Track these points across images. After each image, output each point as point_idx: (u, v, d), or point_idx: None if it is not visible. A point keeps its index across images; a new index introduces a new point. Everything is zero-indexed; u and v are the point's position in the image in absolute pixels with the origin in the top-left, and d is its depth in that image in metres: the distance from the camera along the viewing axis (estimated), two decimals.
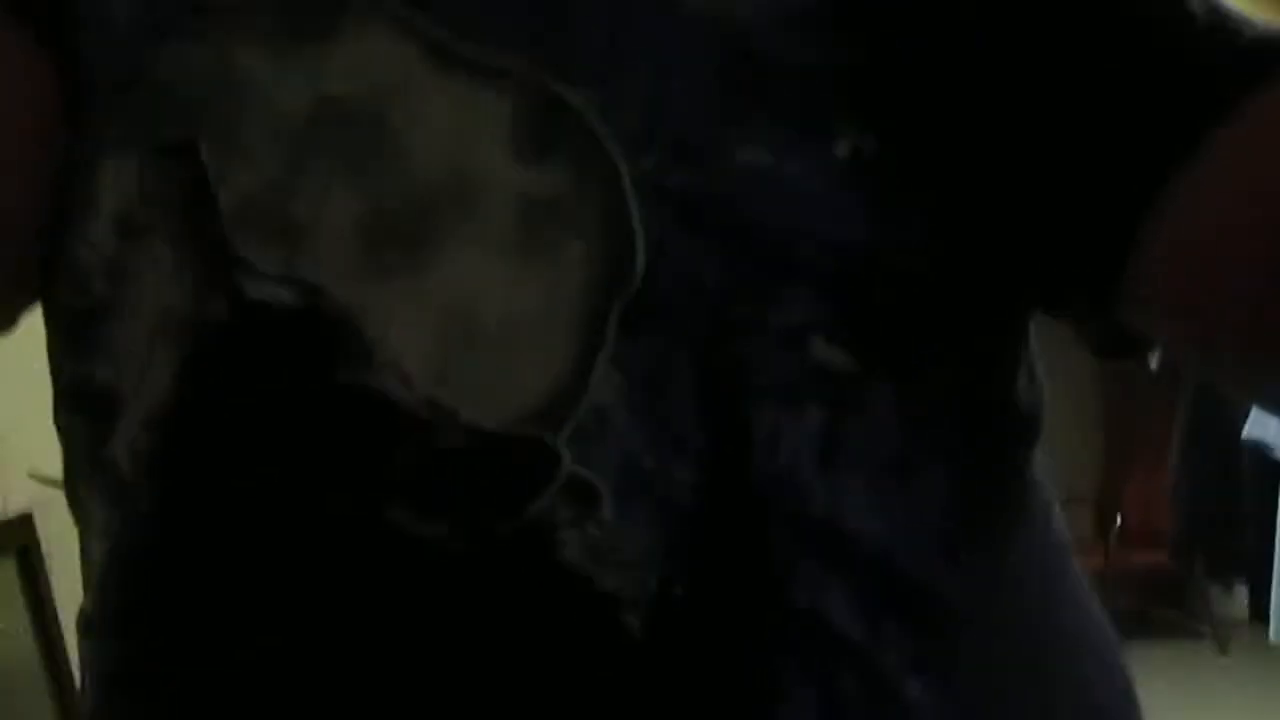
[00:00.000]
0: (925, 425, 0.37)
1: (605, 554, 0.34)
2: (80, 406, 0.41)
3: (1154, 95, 0.35)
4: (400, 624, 0.36)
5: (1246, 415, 3.06)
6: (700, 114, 0.36)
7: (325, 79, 0.37)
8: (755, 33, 0.36)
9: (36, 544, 1.75)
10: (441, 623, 0.35)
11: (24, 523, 1.73)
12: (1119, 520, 4.31)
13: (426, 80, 0.37)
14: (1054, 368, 0.44)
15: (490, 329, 0.35)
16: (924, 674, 0.36)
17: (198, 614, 0.38)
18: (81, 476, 0.41)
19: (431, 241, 0.36)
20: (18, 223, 0.41)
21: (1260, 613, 3.20)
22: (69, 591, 1.84)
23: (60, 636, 1.74)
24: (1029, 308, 0.40)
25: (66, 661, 1.72)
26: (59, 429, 0.43)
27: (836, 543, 0.36)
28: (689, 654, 0.35)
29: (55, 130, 0.41)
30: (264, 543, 0.37)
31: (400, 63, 0.37)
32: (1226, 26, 0.36)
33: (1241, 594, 4.18)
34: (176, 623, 0.38)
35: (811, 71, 0.36)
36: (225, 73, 0.38)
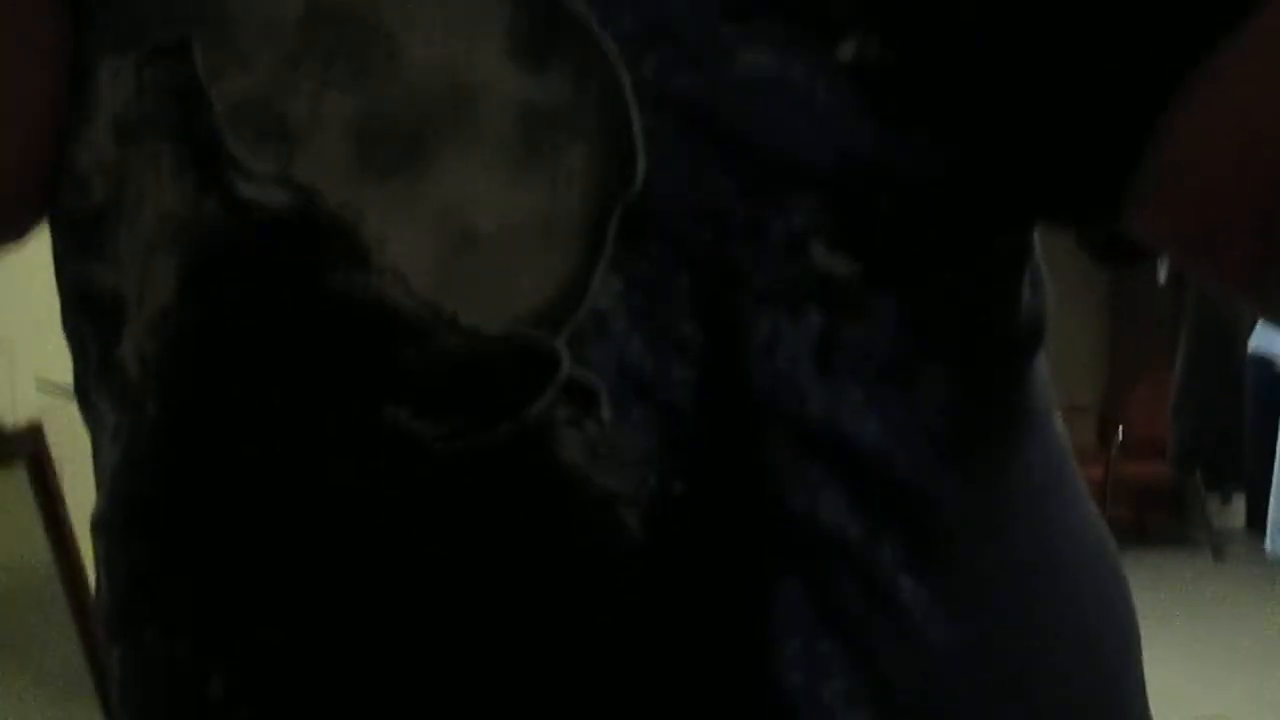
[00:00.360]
0: (926, 331, 0.37)
1: (604, 453, 0.35)
2: (87, 311, 0.41)
3: None
4: (399, 521, 0.36)
5: (1251, 328, 3.06)
6: (700, 16, 0.35)
7: None
8: None
9: (47, 451, 1.76)
10: (440, 520, 0.36)
11: (34, 430, 1.74)
12: (1120, 430, 4.34)
13: None
14: (1058, 275, 0.44)
15: (489, 234, 0.35)
16: (918, 575, 0.37)
17: (205, 514, 0.38)
18: (91, 381, 0.41)
19: (428, 146, 0.35)
20: (31, 127, 0.41)
21: (1257, 523, 3.24)
22: (81, 498, 1.86)
23: (73, 542, 1.76)
24: (1034, 214, 0.40)
25: (81, 567, 1.75)
26: (67, 335, 0.43)
27: (833, 445, 0.36)
28: (686, 551, 0.35)
29: (64, 30, 0.41)
30: (265, 442, 0.37)
31: None
32: None
33: (1239, 504, 4.22)
34: (185, 524, 0.38)
35: None
36: None
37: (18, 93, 0.41)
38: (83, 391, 0.43)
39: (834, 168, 0.35)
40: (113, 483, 0.40)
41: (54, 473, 1.74)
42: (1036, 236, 0.42)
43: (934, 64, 0.35)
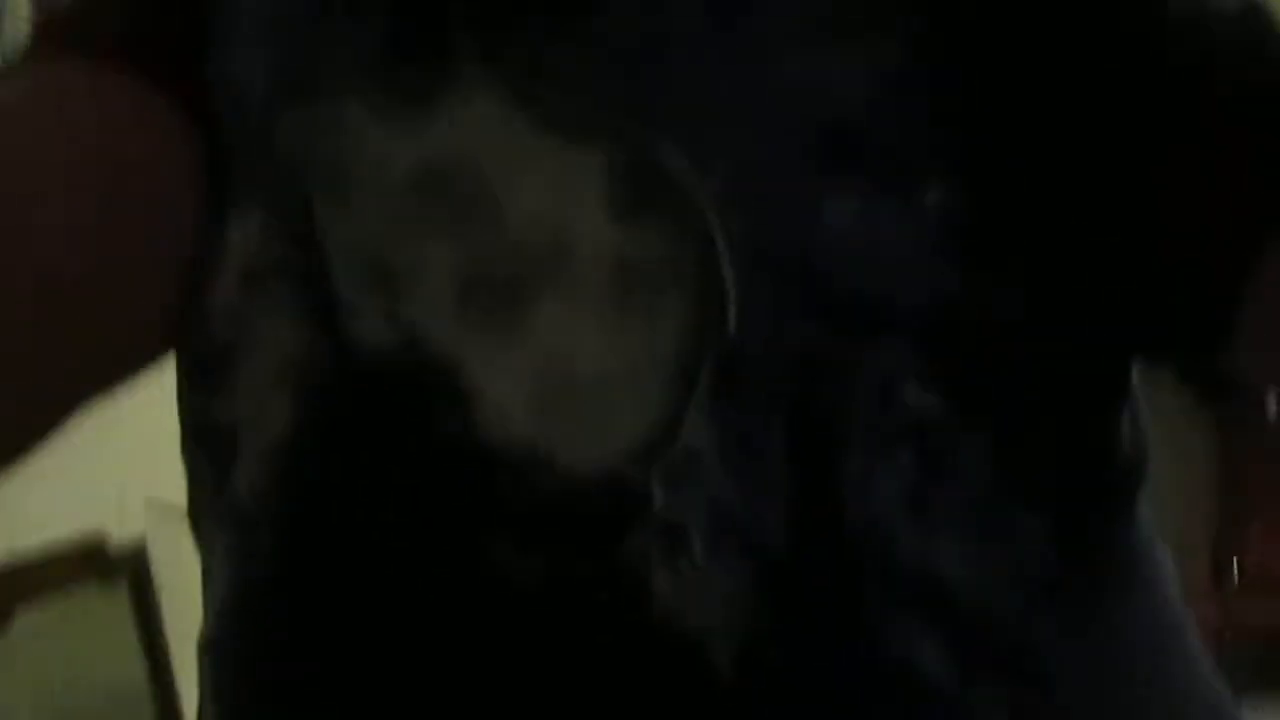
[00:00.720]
0: (1021, 472, 0.37)
1: (695, 593, 0.35)
2: (204, 442, 0.42)
3: (1261, 128, 0.34)
4: (496, 653, 0.36)
5: None
6: (787, 170, 0.36)
7: (427, 139, 0.39)
8: (851, 101, 0.36)
9: (149, 571, 1.79)
10: (534, 651, 0.36)
11: (138, 550, 1.78)
12: (1236, 569, 4.14)
13: (525, 140, 0.38)
14: (1161, 408, 0.43)
15: (587, 381, 0.36)
16: None
17: (313, 641, 0.39)
18: (205, 508, 0.43)
19: (527, 297, 0.37)
20: (167, 273, 0.43)
21: None
22: (177, 621, 1.88)
23: (169, 663, 1.78)
24: (1130, 352, 0.39)
25: (174, 688, 1.77)
26: (185, 463, 0.44)
27: (929, 591, 0.35)
28: (777, 693, 0.35)
29: (198, 184, 0.43)
30: (373, 575, 0.38)
31: (500, 124, 0.38)
32: None
33: None
34: (292, 648, 0.39)
35: (897, 122, 0.36)
36: (337, 131, 0.40)
37: (160, 251, 0.43)
38: (195, 518, 0.44)
39: (923, 310, 0.35)
40: (223, 606, 0.41)
41: (155, 593, 1.78)
42: (1135, 372, 0.41)
43: (1019, 206, 0.36)
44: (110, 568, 1.68)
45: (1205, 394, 0.48)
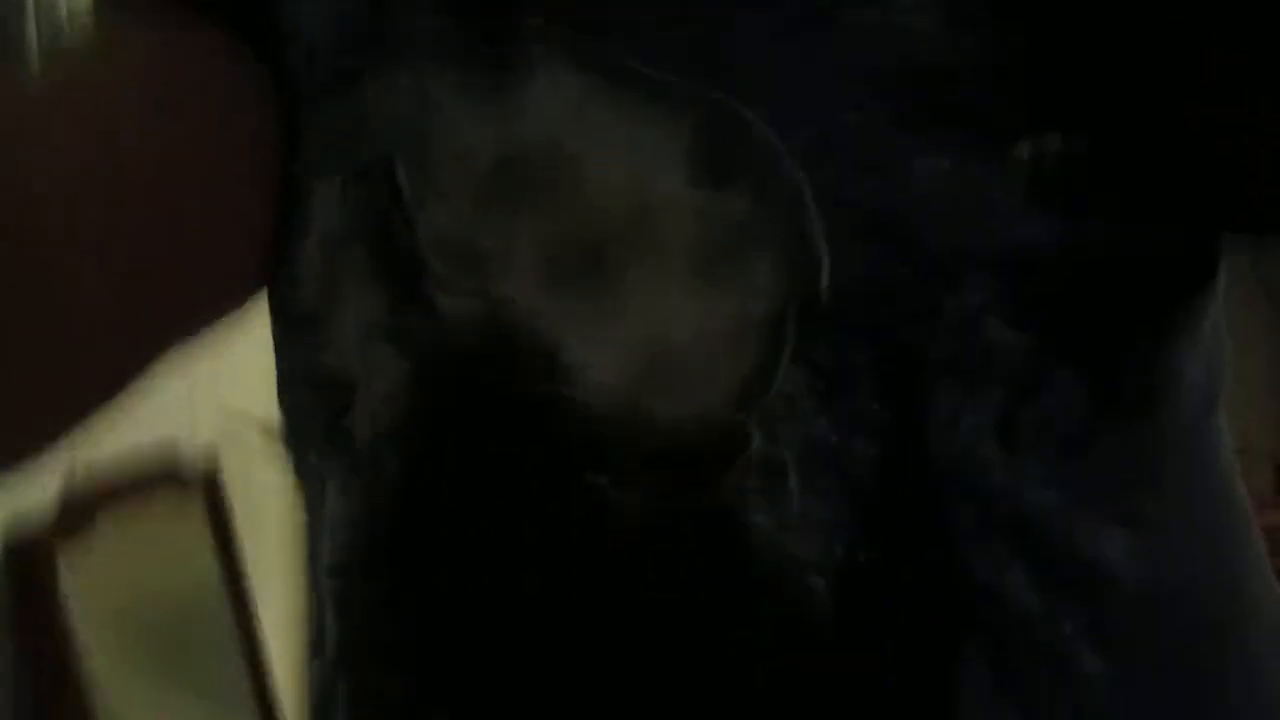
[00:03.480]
0: (1106, 399, 0.37)
1: (792, 522, 0.36)
2: (313, 385, 0.44)
3: None
4: (599, 581, 0.38)
5: None
6: (874, 125, 0.36)
7: (506, 112, 0.39)
8: (921, 38, 0.36)
9: (221, 474, 1.83)
10: (636, 581, 0.38)
11: (209, 455, 1.82)
12: None
13: (603, 107, 0.38)
14: (1232, 316, 0.42)
15: (683, 346, 0.37)
16: (1099, 647, 0.37)
17: (433, 562, 0.41)
18: (314, 444, 0.45)
19: (616, 266, 0.37)
20: (248, 224, 0.44)
21: None
22: (250, 521, 1.93)
23: (241, 562, 1.83)
24: (1216, 264, 0.39)
25: (246, 587, 1.82)
26: (285, 406, 0.46)
27: (1015, 517, 0.36)
28: (873, 618, 0.36)
29: (277, 137, 0.44)
30: (482, 501, 0.40)
31: (577, 91, 0.38)
32: None
33: None
34: (415, 570, 0.42)
35: (985, 73, 0.36)
36: (418, 101, 0.40)
37: (241, 202, 0.44)
38: (301, 453, 0.46)
39: (1011, 252, 0.36)
40: (349, 532, 0.43)
41: (226, 495, 1.82)
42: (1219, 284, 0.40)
43: (1115, 151, 0.36)
44: (184, 473, 1.72)
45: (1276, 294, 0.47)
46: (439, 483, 0.41)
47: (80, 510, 1.42)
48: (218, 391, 1.79)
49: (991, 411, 0.36)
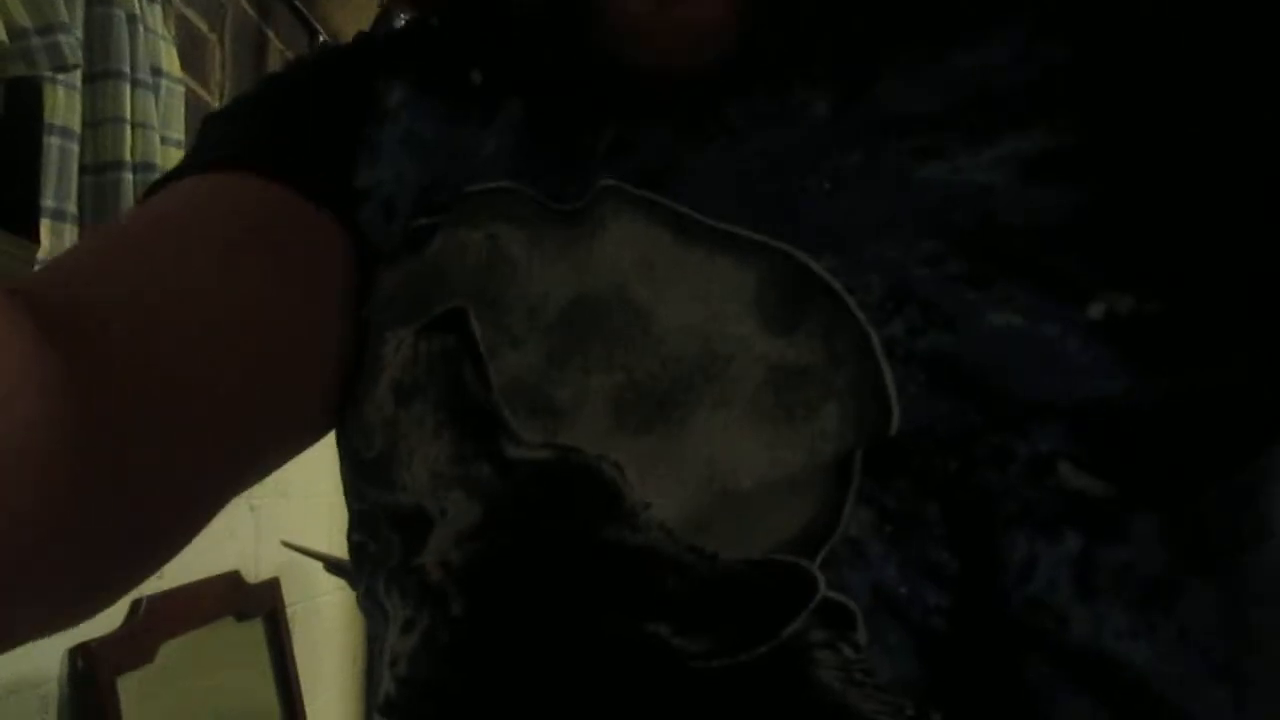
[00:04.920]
0: (1191, 546, 0.35)
1: (860, 678, 0.35)
2: (389, 522, 0.43)
3: None
4: None
5: None
6: (946, 280, 0.35)
7: (576, 264, 0.40)
8: (998, 195, 0.36)
9: (283, 607, 1.85)
10: None
11: (272, 587, 1.84)
12: None
13: (672, 257, 0.39)
14: None
15: (747, 486, 0.36)
16: None
17: (492, 706, 0.40)
18: (383, 579, 0.44)
19: (683, 409, 0.37)
20: (318, 371, 0.45)
21: None
22: (302, 653, 1.95)
23: (300, 693, 1.83)
24: None
25: (303, 713, 1.82)
26: (354, 542, 0.46)
27: (1096, 669, 0.34)
28: None
29: (350, 299, 0.46)
30: (544, 647, 0.39)
31: (646, 243, 0.39)
32: None
33: None
34: (474, 712, 0.40)
35: (1059, 232, 0.35)
36: (491, 255, 0.42)
37: (316, 351, 0.45)
38: (370, 589, 0.46)
39: (1084, 405, 0.34)
40: (407, 668, 0.42)
41: (287, 627, 1.84)
42: None
43: (1190, 312, 0.34)
44: (247, 604, 1.73)
45: None
46: (501, 625, 0.40)
47: (143, 639, 1.44)
48: (281, 526, 1.83)
49: (1068, 560, 0.34)
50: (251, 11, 1.91)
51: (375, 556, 0.45)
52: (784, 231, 0.38)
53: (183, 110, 1.46)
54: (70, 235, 1.24)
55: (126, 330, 0.38)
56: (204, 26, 1.74)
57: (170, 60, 1.46)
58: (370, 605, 0.46)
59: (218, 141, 0.48)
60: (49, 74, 1.20)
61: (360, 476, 0.44)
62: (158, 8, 1.45)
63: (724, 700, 0.36)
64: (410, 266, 0.44)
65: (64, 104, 1.24)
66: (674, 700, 0.36)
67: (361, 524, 0.46)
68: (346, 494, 0.47)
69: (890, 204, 0.37)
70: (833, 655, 0.35)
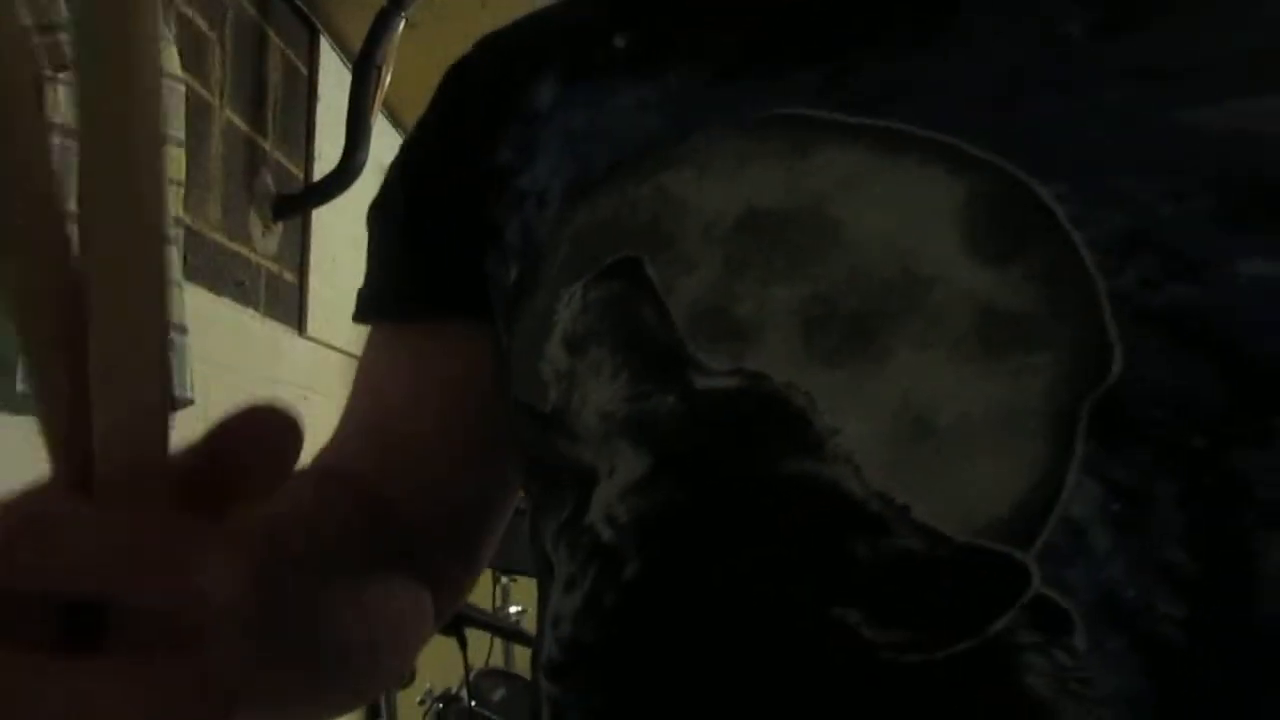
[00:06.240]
0: None
1: (1075, 689, 0.31)
2: (560, 481, 0.43)
3: None
4: None
5: None
6: (1189, 224, 0.32)
7: (752, 188, 0.38)
8: (1268, 146, 0.33)
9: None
10: None
11: None
12: None
13: (872, 169, 0.36)
14: None
15: (945, 427, 0.33)
16: None
17: (661, 672, 0.37)
18: (550, 535, 0.44)
19: (880, 336, 0.34)
20: (470, 514, 0.55)
21: None
22: None
23: None
24: None
25: None
26: (530, 493, 0.49)
27: None
28: None
29: (494, 398, 0.50)
30: (721, 619, 0.36)
31: (841, 152, 0.37)
32: None
33: None
34: (642, 678, 0.38)
35: None
36: (658, 201, 0.40)
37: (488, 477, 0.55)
38: (538, 544, 0.46)
39: None
40: (572, 628, 0.40)
41: None
42: None
43: None
44: None
45: None
46: (674, 594, 0.37)
47: None
48: None
49: None
50: (252, 11, 1.91)
51: (543, 514, 0.45)
52: (1011, 149, 0.34)
53: (183, 109, 1.46)
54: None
55: (412, 509, 0.52)
56: (204, 26, 1.74)
57: (171, 59, 1.46)
58: (536, 555, 0.46)
59: (387, 268, 0.56)
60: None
61: (533, 429, 0.45)
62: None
63: (917, 700, 0.32)
64: (576, 227, 0.43)
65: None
66: (861, 698, 0.33)
67: (533, 478, 0.47)
68: (520, 447, 0.48)
69: (1145, 141, 0.33)
70: (1044, 660, 0.31)
